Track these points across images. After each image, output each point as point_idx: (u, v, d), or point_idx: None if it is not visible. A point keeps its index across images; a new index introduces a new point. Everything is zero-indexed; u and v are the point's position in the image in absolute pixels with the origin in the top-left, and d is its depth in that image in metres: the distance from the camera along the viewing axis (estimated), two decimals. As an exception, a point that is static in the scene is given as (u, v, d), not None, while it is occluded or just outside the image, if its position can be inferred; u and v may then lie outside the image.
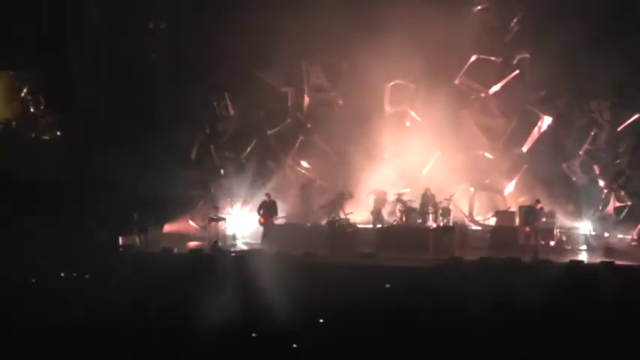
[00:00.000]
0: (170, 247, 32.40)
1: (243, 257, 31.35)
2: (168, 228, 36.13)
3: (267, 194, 34.66)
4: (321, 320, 20.69)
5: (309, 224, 35.91)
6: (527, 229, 32.87)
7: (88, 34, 35.24)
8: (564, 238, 33.95)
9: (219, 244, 33.57)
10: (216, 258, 31.07)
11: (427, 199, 35.42)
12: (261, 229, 34.39)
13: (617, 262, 29.88)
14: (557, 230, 34.29)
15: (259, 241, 34.15)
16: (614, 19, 34.13)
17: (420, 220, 35.11)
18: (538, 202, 33.26)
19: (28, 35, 34.46)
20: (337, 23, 34.60)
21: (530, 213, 33.14)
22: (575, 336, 19.68)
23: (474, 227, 36.22)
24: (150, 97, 35.56)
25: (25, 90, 37.53)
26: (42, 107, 37.31)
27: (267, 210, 34.20)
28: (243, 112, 38.33)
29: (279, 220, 35.24)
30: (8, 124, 37.20)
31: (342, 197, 36.03)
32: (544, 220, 33.24)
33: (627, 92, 34.69)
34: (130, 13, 35.94)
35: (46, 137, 37.11)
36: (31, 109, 37.42)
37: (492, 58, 36.86)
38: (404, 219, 35.14)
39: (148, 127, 35.40)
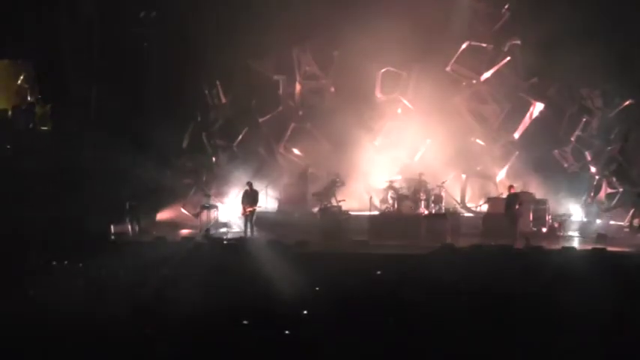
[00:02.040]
0: (162, 236, 32.40)
1: (235, 245, 31.36)
2: (160, 216, 36.12)
3: (249, 183, 34.31)
4: (305, 312, 20.68)
5: (300, 212, 35.84)
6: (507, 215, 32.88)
7: (81, 23, 35.11)
8: (556, 225, 33.99)
9: (212, 232, 33.54)
10: (208, 246, 31.08)
11: (419, 186, 35.46)
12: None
13: (609, 249, 30.00)
14: (549, 217, 34.34)
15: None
16: (605, 6, 34.15)
17: (411, 207, 35.13)
18: (511, 187, 33.15)
19: (24, 24, 34.34)
20: (328, 11, 34.65)
21: (507, 200, 33.05)
22: (568, 323, 19.69)
23: (466, 214, 36.24)
24: (142, 85, 35.49)
25: (21, 78, 37.47)
26: (39, 96, 37.21)
27: (249, 200, 33.92)
28: (235, 100, 38.29)
29: (259, 209, 35.06)
30: (4, 113, 37.11)
31: (334, 185, 36.05)
32: (517, 206, 33.04)
33: (618, 79, 34.72)
34: (122, 2, 35.85)
35: (42, 127, 37.00)
36: (29, 98, 37.33)
37: (484, 45, 36.89)
38: (396, 206, 35.18)
39: (140, 115, 35.35)
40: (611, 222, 34.78)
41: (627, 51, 33.72)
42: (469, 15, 36.70)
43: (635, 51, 33.50)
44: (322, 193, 36.06)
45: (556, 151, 36.10)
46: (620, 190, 35.27)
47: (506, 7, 36.46)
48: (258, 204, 34.04)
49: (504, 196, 34.52)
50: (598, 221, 34.62)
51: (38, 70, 34.89)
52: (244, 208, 33.69)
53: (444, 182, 35.60)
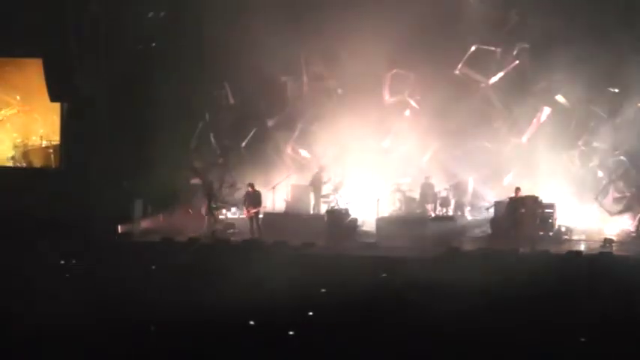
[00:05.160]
0: (169, 237, 32.45)
1: (242, 246, 31.43)
2: (167, 217, 36.12)
3: (250, 184, 34.25)
4: (311, 313, 20.72)
5: (308, 213, 35.87)
6: (510, 219, 32.74)
7: (88, 23, 35.06)
8: (563, 229, 33.91)
9: (218, 233, 33.56)
10: (215, 247, 31.13)
11: (426, 188, 35.47)
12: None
13: (616, 253, 30.01)
14: (556, 221, 34.29)
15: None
16: (614, 10, 34.15)
17: (419, 210, 35.12)
18: (517, 189, 32.99)
19: (30, 23, 34.32)
20: (336, 12, 34.65)
21: (511, 204, 32.87)
22: (573, 327, 19.69)
23: (473, 217, 36.18)
24: (150, 86, 35.49)
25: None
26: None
27: (251, 201, 33.89)
28: (243, 101, 38.33)
29: (266, 210, 35.04)
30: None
31: (341, 187, 36.07)
32: (523, 210, 32.93)
33: (626, 83, 34.67)
34: (131, 2, 35.85)
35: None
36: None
37: (492, 49, 36.86)
38: (403, 209, 35.16)
39: (147, 116, 35.36)
40: (618, 226, 34.72)
41: (636, 54, 33.62)
42: (478, 18, 36.63)
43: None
44: (329, 194, 36.10)
45: (564, 155, 36.04)
46: (628, 194, 35.25)
47: (515, 10, 36.38)
48: (263, 204, 34.10)
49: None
50: (605, 225, 34.54)
51: (46, 69, 34.81)
52: (247, 210, 33.73)
53: (451, 185, 35.58)
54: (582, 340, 18.93)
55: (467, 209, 36.00)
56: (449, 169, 36.77)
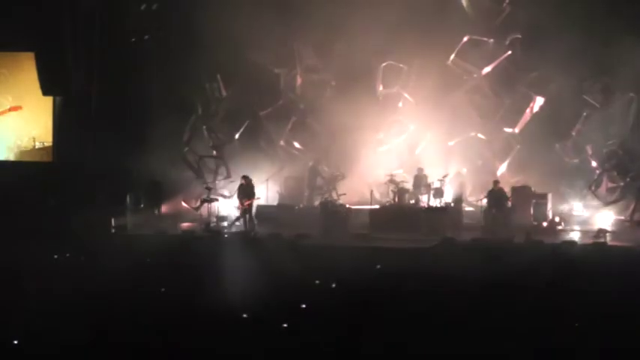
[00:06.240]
0: (162, 229, 32.43)
1: (235, 238, 31.42)
2: (161, 210, 36.12)
3: (244, 176, 34.21)
4: (304, 305, 20.72)
5: (301, 205, 35.92)
6: (494, 210, 32.90)
7: (82, 15, 34.99)
8: (557, 219, 33.95)
9: (212, 225, 33.55)
10: (209, 239, 31.11)
11: (420, 179, 35.48)
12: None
13: (610, 243, 30.05)
14: (550, 211, 34.32)
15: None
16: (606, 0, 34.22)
17: (412, 201, 35.14)
18: (496, 182, 33.30)
19: (24, 17, 34.24)
20: (329, 3, 34.62)
21: (492, 195, 33.06)
22: (566, 317, 19.70)
23: (467, 208, 36.18)
24: (142, 78, 35.45)
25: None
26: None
27: (245, 193, 33.81)
28: (236, 93, 38.22)
29: (259, 202, 34.99)
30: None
31: (335, 178, 36.07)
32: (509, 203, 33.14)
33: (619, 72, 34.65)
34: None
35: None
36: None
37: (484, 39, 36.83)
38: (396, 200, 35.16)
39: (140, 108, 35.35)
40: (612, 216, 34.74)
41: (628, 44, 33.60)
42: (470, 9, 36.62)
43: (636, 44, 33.33)
44: (323, 186, 36.11)
45: (557, 145, 36.06)
46: (621, 184, 35.27)
47: (506, 1, 36.37)
48: (256, 196, 34.04)
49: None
50: (598, 215, 34.57)
51: (38, 63, 34.72)
52: (241, 202, 33.66)
53: (444, 176, 35.55)
54: (576, 324, 19.03)
55: (460, 199, 35.87)
56: (442, 160, 36.74)
